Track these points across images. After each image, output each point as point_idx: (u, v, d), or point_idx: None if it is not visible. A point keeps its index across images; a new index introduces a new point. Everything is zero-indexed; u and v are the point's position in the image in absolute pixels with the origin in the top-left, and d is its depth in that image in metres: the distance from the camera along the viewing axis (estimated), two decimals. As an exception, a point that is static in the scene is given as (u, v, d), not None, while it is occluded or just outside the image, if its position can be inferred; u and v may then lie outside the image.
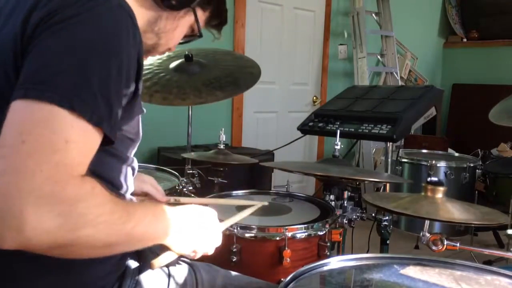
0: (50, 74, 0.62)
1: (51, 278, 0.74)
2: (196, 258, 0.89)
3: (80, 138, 0.62)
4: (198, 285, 0.97)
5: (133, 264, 0.88)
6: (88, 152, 0.64)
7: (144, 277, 0.88)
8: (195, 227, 0.85)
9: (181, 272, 0.97)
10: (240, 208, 1.19)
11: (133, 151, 0.87)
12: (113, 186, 0.82)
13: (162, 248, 0.81)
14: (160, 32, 0.89)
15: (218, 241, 0.91)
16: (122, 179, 0.84)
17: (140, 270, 0.88)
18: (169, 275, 0.93)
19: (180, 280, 0.95)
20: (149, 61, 1.78)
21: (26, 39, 0.67)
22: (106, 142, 0.68)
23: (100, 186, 0.64)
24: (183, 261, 1.02)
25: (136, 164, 0.90)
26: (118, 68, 0.67)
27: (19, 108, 0.61)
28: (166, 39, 0.90)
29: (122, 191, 0.85)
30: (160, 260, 0.82)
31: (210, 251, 0.90)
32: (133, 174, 0.91)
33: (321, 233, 1.29)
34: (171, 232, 0.78)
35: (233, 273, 1.05)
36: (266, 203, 1.26)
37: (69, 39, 0.65)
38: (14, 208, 0.56)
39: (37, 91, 0.61)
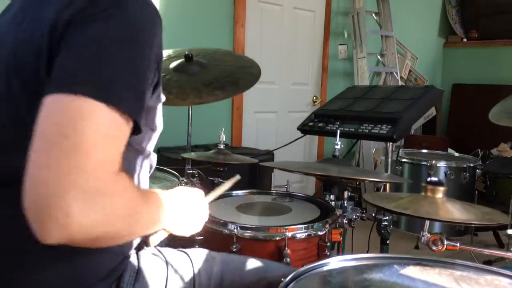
0: (81, 68, 0.64)
1: (55, 270, 0.75)
2: (187, 236, 0.92)
3: (117, 133, 0.64)
4: (195, 274, 0.97)
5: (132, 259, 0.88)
6: (122, 146, 0.65)
7: (144, 265, 0.88)
8: (187, 208, 0.88)
9: (178, 261, 0.96)
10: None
11: (152, 144, 0.88)
12: None
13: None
14: None
15: (205, 218, 0.95)
16: (134, 171, 0.84)
17: (138, 248, 0.92)
18: (166, 263, 0.93)
19: (178, 268, 0.95)
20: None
21: (57, 37, 0.68)
22: (133, 132, 0.69)
23: (130, 181, 0.67)
24: (181, 250, 1.02)
25: (154, 159, 0.90)
26: (146, 60, 0.69)
27: (55, 102, 0.61)
28: None
29: None
30: (155, 238, 0.86)
31: (199, 229, 0.94)
32: (150, 170, 0.91)
33: (321, 233, 1.29)
34: (169, 217, 0.80)
35: (231, 255, 1.06)
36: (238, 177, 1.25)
37: (97, 33, 0.66)
38: (60, 203, 0.56)
39: (71, 84, 0.61)
